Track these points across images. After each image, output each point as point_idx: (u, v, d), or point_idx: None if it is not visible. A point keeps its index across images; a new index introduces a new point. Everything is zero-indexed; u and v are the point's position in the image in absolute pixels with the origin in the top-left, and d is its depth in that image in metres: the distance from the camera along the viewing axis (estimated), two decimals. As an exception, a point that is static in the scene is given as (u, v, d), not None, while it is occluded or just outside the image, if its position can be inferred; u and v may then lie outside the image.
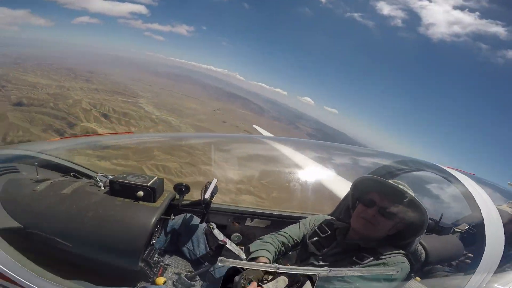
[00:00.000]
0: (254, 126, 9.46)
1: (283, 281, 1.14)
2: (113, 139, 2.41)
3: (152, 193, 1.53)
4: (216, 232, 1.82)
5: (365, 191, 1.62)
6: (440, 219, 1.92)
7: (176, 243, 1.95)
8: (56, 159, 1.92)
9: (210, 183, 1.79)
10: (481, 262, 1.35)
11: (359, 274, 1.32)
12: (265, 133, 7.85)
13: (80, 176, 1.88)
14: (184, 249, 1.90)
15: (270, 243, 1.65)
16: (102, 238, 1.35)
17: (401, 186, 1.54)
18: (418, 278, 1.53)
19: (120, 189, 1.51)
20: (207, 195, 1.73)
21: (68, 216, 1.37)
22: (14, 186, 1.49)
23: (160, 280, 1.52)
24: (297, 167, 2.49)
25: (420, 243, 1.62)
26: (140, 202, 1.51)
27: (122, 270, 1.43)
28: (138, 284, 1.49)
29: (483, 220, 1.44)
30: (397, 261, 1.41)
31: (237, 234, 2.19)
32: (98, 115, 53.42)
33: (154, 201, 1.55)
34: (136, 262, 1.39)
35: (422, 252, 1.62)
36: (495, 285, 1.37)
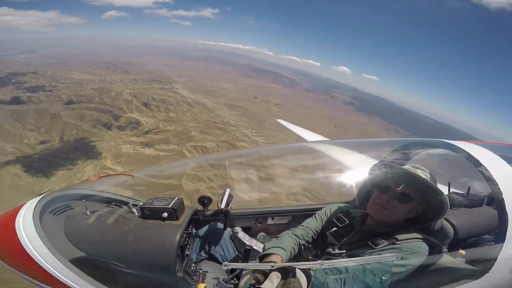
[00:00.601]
0: (278, 120, 8.59)
1: (276, 276, 1.20)
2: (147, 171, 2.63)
3: (174, 213, 1.74)
4: (241, 235, 2.04)
5: (380, 177, 1.65)
6: (468, 192, 1.87)
7: (208, 251, 2.13)
8: (99, 193, 2.25)
9: (224, 193, 1.97)
10: (508, 231, 1.39)
11: (354, 264, 1.30)
12: (289, 125, 7.62)
13: (120, 204, 2.17)
14: (217, 255, 2.05)
15: (286, 239, 1.70)
16: (143, 257, 1.59)
17: (415, 170, 1.55)
18: (462, 252, 1.53)
19: (149, 213, 1.75)
20: (222, 205, 1.90)
21: (115, 242, 1.64)
22: (72, 222, 1.79)
23: (201, 286, 1.68)
24: (336, 164, 2.49)
25: (448, 220, 1.60)
26: (166, 221, 1.73)
27: (166, 283, 1.65)
28: None
29: (500, 190, 1.46)
30: (413, 246, 1.40)
31: (262, 233, 2.29)
32: (139, 105, 56.98)
33: (177, 219, 1.75)
34: (173, 274, 1.59)
35: (451, 229, 1.59)
36: None
